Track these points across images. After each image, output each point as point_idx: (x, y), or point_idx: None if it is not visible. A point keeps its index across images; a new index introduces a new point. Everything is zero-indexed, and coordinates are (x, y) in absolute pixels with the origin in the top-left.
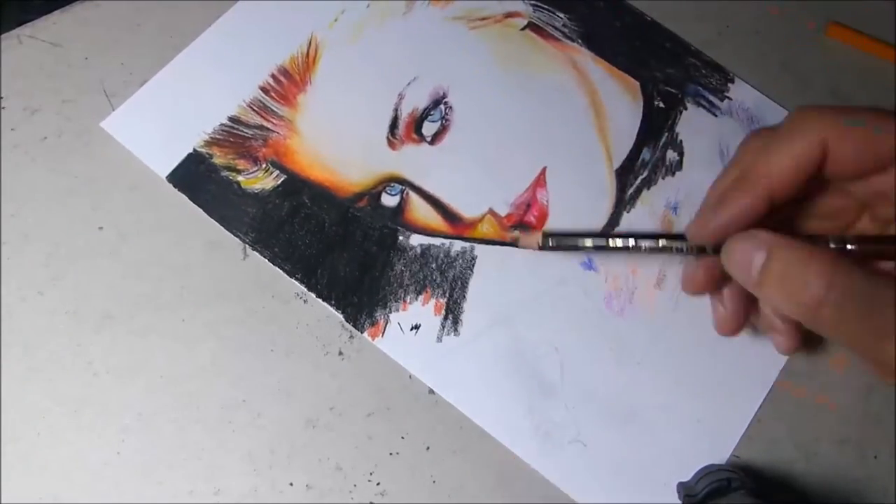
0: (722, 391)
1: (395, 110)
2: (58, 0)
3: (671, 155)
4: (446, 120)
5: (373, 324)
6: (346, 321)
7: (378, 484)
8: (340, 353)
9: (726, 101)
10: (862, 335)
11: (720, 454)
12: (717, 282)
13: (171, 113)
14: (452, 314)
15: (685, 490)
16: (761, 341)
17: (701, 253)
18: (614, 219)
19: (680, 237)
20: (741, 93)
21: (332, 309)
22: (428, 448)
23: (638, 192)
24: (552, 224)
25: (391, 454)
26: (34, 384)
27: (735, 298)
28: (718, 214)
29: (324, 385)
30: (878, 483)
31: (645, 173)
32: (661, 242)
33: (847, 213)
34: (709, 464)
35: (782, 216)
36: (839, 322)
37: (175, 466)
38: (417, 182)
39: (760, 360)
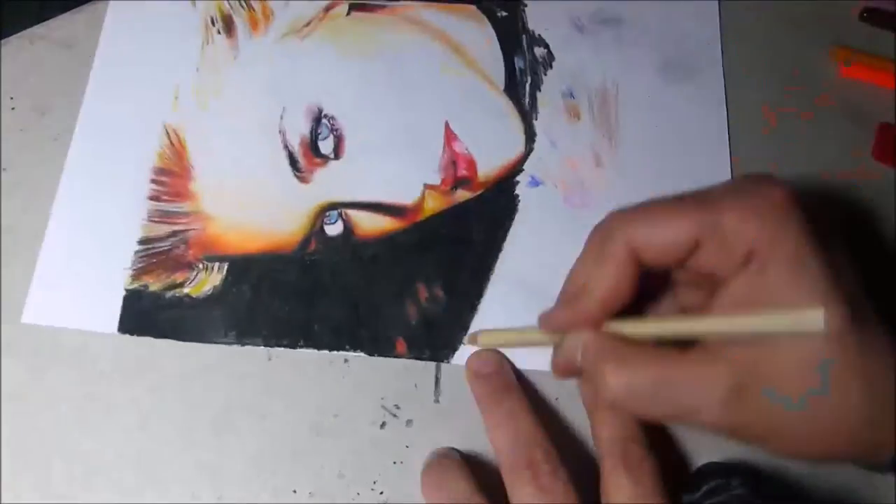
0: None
1: (286, 147)
2: (69, 1)
3: (539, 51)
4: (336, 130)
5: (393, 345)
6: (370, 355)
7: (381, 493)
8: (346, 361)
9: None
10: (659, 416)
11: None
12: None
13: (79, 271)
14: (453, 293)
15: (685, 488)
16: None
17: None
18: (529, 131)
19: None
20: None
21: (350, 353)
22: None
23: (533, 98)
24: (482, 164)
25: (395, 463)
26: (38, 382)
27: None
28: (558, 317)
29: (328, 392)
30: (885, 493)
31: (528, 78)
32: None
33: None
34: (709, 461)
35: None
36: (634, 408)
37: (178, 471)
38: (347, 198)
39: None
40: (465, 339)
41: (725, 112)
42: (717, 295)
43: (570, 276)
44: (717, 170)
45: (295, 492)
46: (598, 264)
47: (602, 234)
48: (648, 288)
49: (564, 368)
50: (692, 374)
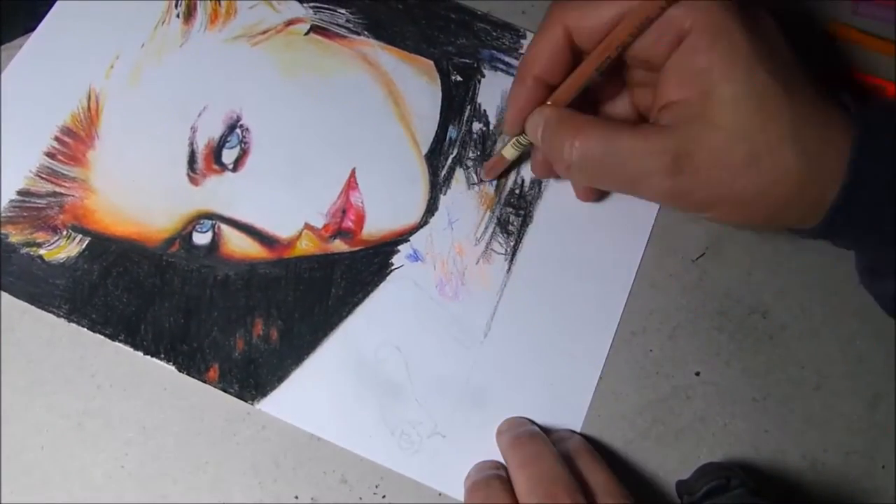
0: (568, 348)
1: (191, 145)
2: None
3: (477, 126)
4: (245, 143)
5: (207, 368)
6: (179, 371)
7: (384, 497)
8: None
9: (521, 57)
10: (611, 183)
11: (577, 413)
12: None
13: None
14: (287, 339)
15: (684, 488)
16: (598, 293)
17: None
18: (432, 204)
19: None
20: None
21: (162, 362)
22: None
23: (451, 171)
24: (370, 222)
25: None
26: (37, 397)
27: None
28: (508, 109)
29: None
30: (887, 494)
31: (455, 151)
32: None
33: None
34: (709, 461)
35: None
36: (588, 177)
37: (179, 480)
38: (227, 213)
39: (599, 310)
40: (482, 174)
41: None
42: (658, 79)
43: (521, 59)
44: (609, 306)
45: (297, 498)
46: (537, 44)
47: (544, 19)
48: (606, 93)
49: (542, 161)
50: (639, 142)
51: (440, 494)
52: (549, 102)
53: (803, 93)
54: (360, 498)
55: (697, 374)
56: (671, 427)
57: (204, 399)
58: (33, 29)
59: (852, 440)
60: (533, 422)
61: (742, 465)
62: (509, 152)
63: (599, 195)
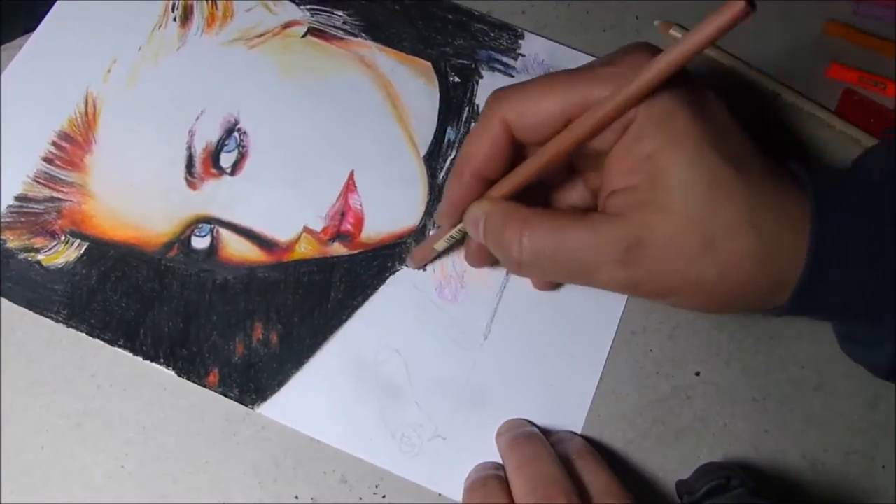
0: (568, 349)
1: (189, 148)
2: None
3: None
4: (243, 147)
5: (207, 373)
6: (179, 375)
7: (384, 497)
8: None
9: (520, 58)
10: (563, 276)
11: (578, 414)
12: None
13: None
14: (287, 343)
15: (684, 488)
16: (598, 293)
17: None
18: (431, 206)
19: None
20: (533, 46)
21: (162, 367)
22: None
23: (450, 173)
24: (369, 225)
25: None
26: (37, 397)
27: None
28: (443, 202)
29: None
30: (887, 494)
31: (454, 153)
32: (450, 235)
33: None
34: (709, 461)
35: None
36: (539, 272)
37: (179, 480)
38: (225, 217)
39: (599, 311)
40: (408, 261)
41: None
42: (604, 166)
43: (459, 152)
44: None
45: (297, 498)
46: (476, 137)
47: (483, 111)
48: (557, 181)
49: (477, 251)
50: (589, 234)
51: (440, 495)
52: (488, 195)
53: (756, 172)
54: (360, 498)
55: (697, 374)
56: (671, 427)
57: (204, 399)
58: (33, 29)
59: (852, 440)
60: (533, 423)
61: (742, 465)
62: (441, 245)
63: (557, 285)
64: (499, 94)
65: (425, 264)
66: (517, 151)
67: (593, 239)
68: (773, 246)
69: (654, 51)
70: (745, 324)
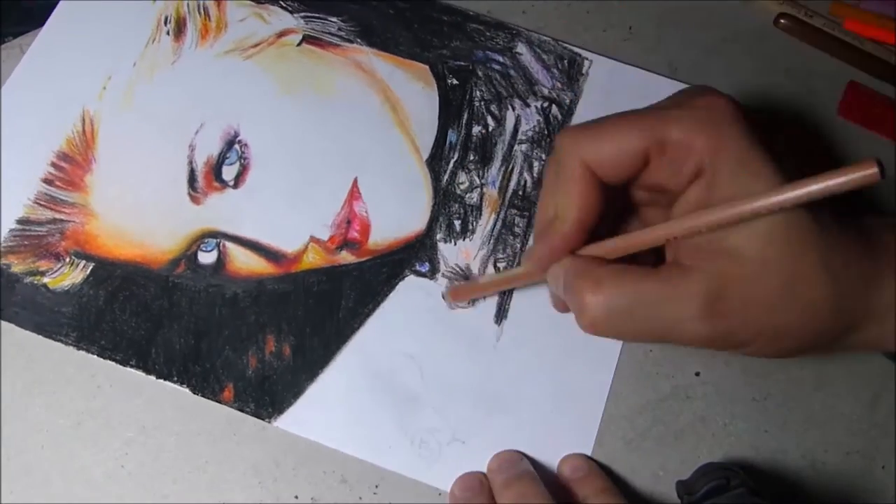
0: (580, 353)
1: (190, 163)
2: None
3: (477, 129)
4: (244, 159)
5: (222, 389)
6: (194, 393)
7: (384, 497)
8: None
9: (516, 56)
10: (641, 335)
11: (593, 410)
12: None
13: None
14: (300, 354)
15: (684, 488)
16: None
17: None
18: (436, 210)
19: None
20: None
21: (176, 385)
22: None
23: (453, 176)
24: (376, 231)
25: None
26: (37, 397)
27: None
28: (536, 252)
29: None
30: (887, 494)
31: (456, 155)
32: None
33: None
34: (709, 461)
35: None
36: (616, 332)
37: (179, 480)
38: (231, 231)
39: None
40: (445, 292)
41: None
42: (674, 206)
43: (538, 209)
44: None
45: (297, 497)
46: (559, 189)
47: (555, 158)
48: (613, 213)
49: (560, 301)
50: (668, 287)
51: (440, 494)
52: (574, 255)
53: (823, 217)
54: (360, 498)
55: (697, 374)
56: (671, 427)
57: (204, 399)
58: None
59: (852, 440)
60: (525, 455)
61: (742, 465)
62: (495, 288)
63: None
64: (572, 136)
65: (471, 301)
66: (604, 191)
67: (671, 294)
68: (844, 291)
69: (723, 95)
70: None
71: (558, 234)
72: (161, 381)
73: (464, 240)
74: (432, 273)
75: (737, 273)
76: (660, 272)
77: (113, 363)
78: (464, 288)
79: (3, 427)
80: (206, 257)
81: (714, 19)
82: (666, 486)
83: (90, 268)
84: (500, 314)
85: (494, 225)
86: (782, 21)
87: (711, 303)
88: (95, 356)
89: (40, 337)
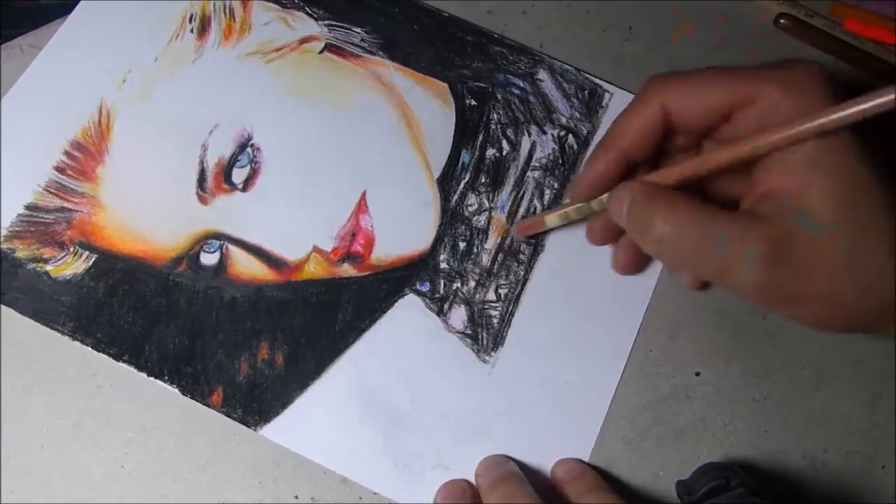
0: (576, 378)
1: (201, 163)
2: (60, 9)
3: (491, 152)
4: (255, 163)
5: (211, 392)
6: (183, 394)
7: (384, 497)
8: None
9: (536, 83)
10: (701, 266)
11: (586, 443)
12: (613, 233)
13: None
14: (292, 364)
15: (684, 488)
16: (609, 321)
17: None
18: (442, 230)
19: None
20: (548, 73)
21: (166, 385)
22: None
23: (463, 197)
24: (380, 247)
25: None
26: (37, 397)
27: (629, 245)
28: (583, 176)
29: None
30: (887, 494)
31: (467, 176)
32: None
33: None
34: (709, 461)
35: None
36: (678, 256)
37: (179, 480)
38: (235, 234)
39: (609, 339)
40: (513, 229)
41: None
42: (757, 167)
43: (609, 129)
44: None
45: (297, 497)
46: (630, 116)
47: (641, 93)
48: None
49: (602, 231)
50: (738, 225)
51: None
52: (641, 179)
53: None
54: (360, 498)
55: (697, 374)
56: (671, 427)
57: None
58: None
59: (852, 440)
60: (511, 458)
61: (742, 465)
62: (553, 220)
63: (641, 266)
64: (662, 79)
65: (532, 236)
66: (667, 138)
67: (741, 233)
68: None
69: (820, 67)
70: (745, 324)
71: (603, 156)
72: (153, 379)
73: (467, 262)
74: (432, 293)
75: (804, 234)
76: (732, 212)
77: (113, 363)
78: (530, 222)
79: (3, 427)
80: (209, 258)
81: (714, 19)
82: (666, 486)
83: (93, 259)
84: (497, 342)
85: (499, 250)
86: (782, 21)
87: (777, 250)
88: (90, 349)
89: (40, 337)
